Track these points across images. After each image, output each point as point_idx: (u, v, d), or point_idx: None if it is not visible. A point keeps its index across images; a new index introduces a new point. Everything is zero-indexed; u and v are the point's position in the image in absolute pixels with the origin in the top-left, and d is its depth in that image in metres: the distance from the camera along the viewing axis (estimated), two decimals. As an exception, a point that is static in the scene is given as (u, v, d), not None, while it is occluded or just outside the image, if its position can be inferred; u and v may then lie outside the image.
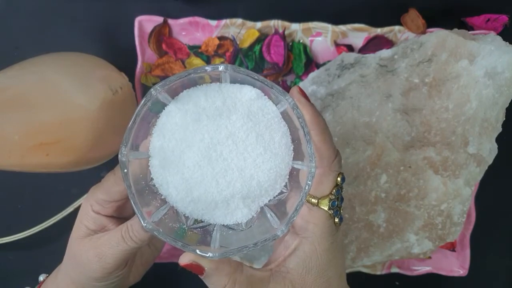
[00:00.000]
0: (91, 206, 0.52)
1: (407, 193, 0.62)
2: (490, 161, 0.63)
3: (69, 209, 0.69)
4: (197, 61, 0.70)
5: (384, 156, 0.62)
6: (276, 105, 0.45)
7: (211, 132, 0.43)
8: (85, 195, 0.54)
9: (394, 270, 0.71)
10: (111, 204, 0.52)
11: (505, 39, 0.60)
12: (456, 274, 0.70)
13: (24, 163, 0.54)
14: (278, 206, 0.47)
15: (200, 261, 0.45)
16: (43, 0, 0.71)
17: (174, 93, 0.45)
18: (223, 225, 0.47)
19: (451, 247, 0.70)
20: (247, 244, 0.43)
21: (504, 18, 0.67)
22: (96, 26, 0.71)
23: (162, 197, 0.46)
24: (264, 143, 0.44)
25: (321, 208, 0.46)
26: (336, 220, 0.46)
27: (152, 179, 0.45)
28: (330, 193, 0.46)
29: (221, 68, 0.41)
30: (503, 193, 0.73)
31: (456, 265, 0.71)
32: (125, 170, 0.42)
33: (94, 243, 0.51)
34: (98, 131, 0.55)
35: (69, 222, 0.68)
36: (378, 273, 0.70)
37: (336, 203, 0.46)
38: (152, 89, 0.42)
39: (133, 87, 0.66)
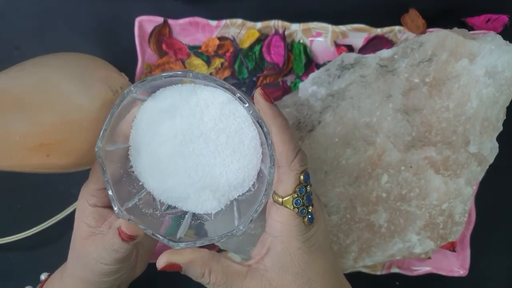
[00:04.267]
0: (86, 201, 0.53)
1: (408, 193, 0.62)
2: (491, 160, 0.63)
3: (69, 209, 0.69)
4: (197, 61, 0.70)
5: (385, 156, 0.62)
6: (247, 109, 0.47)
7: (184, 130, 0.46)
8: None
9: (394, 270, 0.70)
10: (104, 193, 0.52)
11: (505, 39, 0.60)
12: (456, 274, 0.70)
13: (24, 163, 0.54)
14: (246, 203, 0.49)
15: (174, 260, 0.47)
16: (43, 0, 0.71)
17: (150, 91, 0.48)
18: (194, 214, 0.51)
19: (451, 247, 0.70)
20: (212, 236, 0.47)
21: (504, 18, 0.68)
22: (96, 26, 0.71)
23: (140, 183, 0.50)
24: (233, 145, 0.47)
25: (286, 207, 0.46)
26: (305, 219, 0.47)
27: (131, 166, 0.49)
28: (293, 192, 0.46)
29: (188, 76, 0.44)
30: (504, 193, 0.73)
31: (456, 265, 0.71)
32: (102, 162, 0.46)
33: (96, 245, 0.51)
34: (98, 132, 0.55)
35: (69, 222, 0.68)
36: (378, 273, 0.70)
37: (301, 201, 0.46)
38: (126, 90, 0.45)
39: (133, 87, 0.66)
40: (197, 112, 0.47)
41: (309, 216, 0.47)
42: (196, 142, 0.47)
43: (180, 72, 0.44)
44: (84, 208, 0.53)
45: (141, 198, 0.50)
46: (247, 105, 0.44)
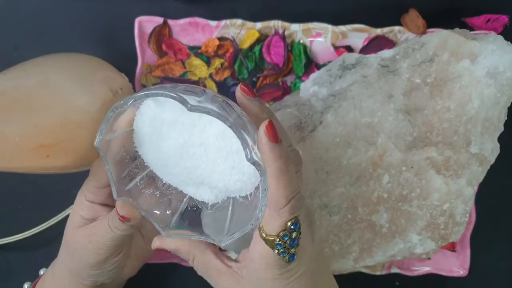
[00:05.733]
0: (84, 196, 0.54)
1: (410, 193, 0.62)
2: (493, 161, 0.63)
3: (69, 210, 0.69)
4: (197, 62, 0.70)
5: (386, 156, 0.62)
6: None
7: (185, 137, 0.46)
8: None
9: (394, 270, 0.70)
10: (102, 191, 0.54)
11: (505, 39, 0.61)
12: (456, 274, 0.70)
13: (24, 164, 0.54)
14: (241, 206, 0.50)
15: (163, 246, 0.52)
16: (43, 1, 0.71)
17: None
18: (191, 200, 0.52)
19: (451, 247, 0.70)
20: (197, 235, 0.49)
21: (504, 18, 0.68)
22: (96, 26, 0.71)
23: (144, 163, 0.51)
24: (233, 162, 0.46)
25: (267, 245, 0.46)
26: (286, 257, 0.46)
27: (135, 146, 0.50)
28: (276, 236, 0.45)
29: (199, 99, 0.44)
30: (504, 193, 0.73)
31: (456, 265, 0.70)
32: (103, 154, 0.48)
33: (88, 231, 0.53)
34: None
35: (69, 222, 0.68)
36: (378, 273, 0.70)
37: (282, 245, 0.45)
38: (114, 106, 0.46)
39: (133, 88, 0.66)
40: (199, 125, 0.46)
41: (290, 256, 0.46)
42: (197, 148, 0.46)
43: (176, 96, 0.42)
44: (81, 202, 0.55)
45: (143, 177, 0.51)
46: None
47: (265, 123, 0.43)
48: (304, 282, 0.49)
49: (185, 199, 0.52)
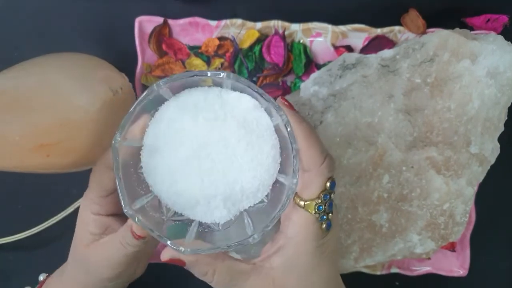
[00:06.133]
0: (89, 210, 0.52)
1: (410, 193, 0.63)
2: (493, 161, 0.63)
3: (69, 209, 0.69)
4: (197, 62, 0.70)
5: (386, 156, 0.62)
6: (271, 118, 0.46)
7: (205, 133, 0.45)
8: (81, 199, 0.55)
9: (394, 270, 0.70)
10: (107, 200, 0.52)
11: (505, 39, 0.61)
12: (456, 274, 0.70)
13: (24, 164, 0.54)
14: (257, 214, 0.48)
15: (179, 256, 0.46)
16: (43, 1, 0.71)
17: (175, 91, 0.47)
18: (201, 222, 0.48)
19: (451, 247, 0.70)
20: (221, 245, 0.45)
21: (504, 18, 0.68)
22: (96, 26, 0.71)
23: (149, 186, 0.48)
24: (252, 152, 0.45)
25: (307, 211, 0.46)
26: (323, 225, 0.46)
27: (141, 167, 0.47)
28: (317, 197, 0.46)
29: (222, 75, 0.43)
30: (503, 193, 0.73)
31: (456, 265, 0.71)
32: (117, 157, 0.44)
33: (100, 249, 0.51)
34: (98, 132, 0.55)
35: (69, 222, 0.68)
36: (378, 273, 0.70)
37: (323, 208, 0.46)
38: (155, 85, 0.44)
39: (134, 87, 0.66)
40: (220, 116, 0.46)
41: (328, 223, 0.47)
42: (214, 146, 0.45)
43: (212, 73, 0.43)
44: (87, 216, 0.52)
45: (148, 201, 0.48)
46: (285, 118, 0.43)
47: (280, 98, 0.46)
48: (334, 260, 0.50)
49: (193, 224, 0.49)
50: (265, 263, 0.48)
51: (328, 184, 0.46)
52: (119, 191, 0.44)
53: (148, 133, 0.47)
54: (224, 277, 0.48)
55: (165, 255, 0.47)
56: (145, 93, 0.44)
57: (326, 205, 0.46)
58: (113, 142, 0.44)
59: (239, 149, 0.45)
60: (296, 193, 0.46)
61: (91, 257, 0.52)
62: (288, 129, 0.44)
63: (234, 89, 0.47)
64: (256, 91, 0.44)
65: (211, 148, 0.45)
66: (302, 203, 0.46)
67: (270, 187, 0.48)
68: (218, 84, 0.46)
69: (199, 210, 0.47)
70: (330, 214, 0.47)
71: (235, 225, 0.48)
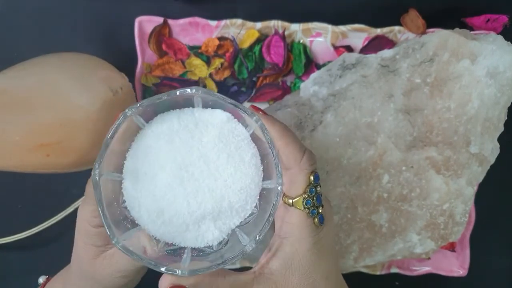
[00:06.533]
0: (88, 224, 0.51)
1: (409, 193, 0.63)
2: (492, 161, 0.63)
3: (69, 210, 0.69)
4: (197, 62, 0.70)
5: (386, 156, 0.62)
6: (245, 128, 0.46)
7: (183, 153, 0.45)
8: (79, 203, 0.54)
9: (394, 270, 0.71)
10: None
11: (505, 39, 0.61)
12: (456, 274, 0.70)
13: (24, 163, 0.54)
14: (251, 226, 0.48)
15: (179, 282, 0.45)
16: (43, 0, 0.71)
17: (147, 117, 0.46)
18: (194, 248, 0.47)
19: (451, 247, 0.70)
20: (218, 261, 0.44)
21: (504, 18, 0.68)
22: (96, 26, 0.71)
23: (135, 220, 0.46)
24: (234, 164, 0.45)
25: (297, 208, 0.46)
26: (316, 220, 0.47)
27: (124, 201, 0.46)
28: (304, 192, 0.46)
29: (191, 91, 0.43)
30: (503, 193, 0.73)
31: (456, 265, 0.71)
32: (99, 190, 0.43)
33: (108, 262, 0.51)
34: (98, 132, 0.55)
35: (69, 222, 0.68)
36: (378, 273, 0.70)
37: (311, 202, 0.46)
38: (121, 113, 0.43)
39: (133, 87, 0.66)
40: (196, 134, 0.46)
41: (320, 217, 0.47)
42: (195, 165, 0.45)
43: (177, 93, 0.43)
44: (87, 230, 0.51)
45: (136, 234, 0.46)
46: (260, 123, 0.44)
47: (249, 106, 0.46)
48: (332, 254, 0.50)
49: (186, 250, 0.47)
50: (265, 269, 0.48)
51: (311, 177, 0.46)
52: (104, 224, 0.43)
53: (127, 166, 0.46)
54: None
55: (164, 283, 0.46)
56: (116, 122, 0.43)
57: (314, 198, 0.46)
58: (93, 174, 0.43)
59: (221, 163, 0.45)
60: (283, 193, 0.47)
61: (102, 270, 0.51)
62: (265, 132, 0.44)
63: (205, 103, 0.47)
64: (228, 102, 0.44)
65: (192, 168, 0.45)
66: (290, 201, 0.46)
67: (258, 197, 0.47)
68: (189, 104, 0.47)
69: (190, 236, 0.46)
70: (320, 208, 0.47)
71: (230, 241, 0.48)
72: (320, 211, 0.47)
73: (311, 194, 0.46)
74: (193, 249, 0.47)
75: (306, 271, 0.47)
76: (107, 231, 0.43)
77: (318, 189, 0.47)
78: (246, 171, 0.46)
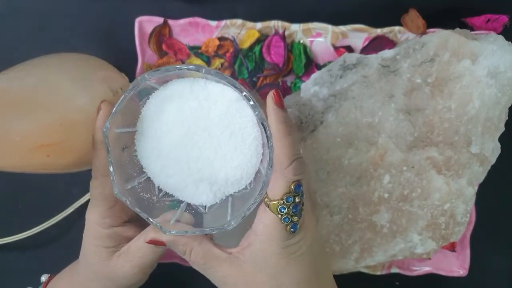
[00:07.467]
0: (99, 226, 0.52)
1: (410, 193, 0.63)
2: (493, 161, 0.63)
3: (69, 210, 0.69)
4: (197, 62, 0.70)
5: (387, 156, 0.62)
6: (254, 112, 0.47)
7: (190, 122, 0.48)
8: (86, 201, 0.54)
9: (394, 270, 0.71)
10: (116, 209, 0.52)
11: (505, 39, 0.61)
12: (456, 274, 0.70)
13: (25, 164, 0.54)
14: (240, 200, 0.51)
15: (159, 237, 0.49)
16: (43, 0, 0.71)
17: (162, 81, 0.49)
18: (189, 204, 0.52)
19: (451, 247, 0.70)
20: (198, 229, 0.48)
21: (504, 18, 0.68)
22: (96, 26, 0.71)
23: (143, 168, 0.51)
24: (236, 142, 0.48)
25: (272, 211, 0.47)
26: (288, 227, 0.47)
27: (135, 150, 0.50)
28: (280, 199, 0.46)
29: (203, 70, 0.45)
30: (504, 193, 0.73)
31: (456, 265, 0.71)
32: (107, 141, 0.47)
33: (125, 258, 0.52)
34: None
35: (69, 222, 0.69)
36: (378, 273, 0.70)
37: (286, 209, 0.46)
38: (140, 77, 0.46)
39: (134, 87, 0.66)
40: (205, 107, 0.48)
41: (293, 225, 0.47)
42: (200, 135, 0.48)
43: (193, 66, 0.45)
44: (98, 232, 0.52)
45: (140, 182, 0.51)
46: (252, 104, 0.45)
47: (272, 91, 0.46)
48: (307, 263, 0.50)
49: (182, 205, 0.52)
50: (240, 255, 0.49)
51: (292, 186, 0.46)
52: (111, 172, 0.47)
53: (141, 120, 0.49)
54: (198, 259, 0.50)
55: (146, 238, 0.50)
56: (133, 83, 0.46)
57: (290, 207, 0.46)
58: (104, 129, 0.46)
59: (223, 139, 0.48)
60: (266, 192, 0.47)
61: (118, 269, 0.52)
62: (266, 127, 0.45)
63: (217, 81, 0.48)
64: (231, 84, 0.46)
65: (197, 137, 0.48)
66: (268, 202, 0.47)
67: (253, 176, 0.50)
68: (203, 76, 0.48)
69: (187, 192, 0.50)
70: (295, 217, 0.47)
71: (219, 212, 0.51)
72: (294, 220, 0.47)
73: (287, 202, 0.46)
74: (188, 204, 0.52)
75: (273, 273, 0.48)
76: (113, 179, 0.47)
77: (297, 199, 0.47)
78: (246, 151, 0.48)
